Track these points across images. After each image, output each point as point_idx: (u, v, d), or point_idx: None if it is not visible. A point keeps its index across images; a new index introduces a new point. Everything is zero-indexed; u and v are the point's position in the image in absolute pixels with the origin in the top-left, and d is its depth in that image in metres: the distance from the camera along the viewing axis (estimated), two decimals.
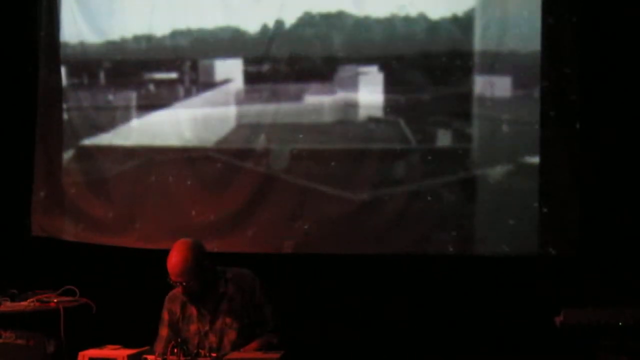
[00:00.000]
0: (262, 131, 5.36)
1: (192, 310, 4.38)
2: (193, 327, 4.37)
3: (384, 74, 5.17)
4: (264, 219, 5.29)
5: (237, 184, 5.38)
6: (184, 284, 4.22)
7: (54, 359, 4.60)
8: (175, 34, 5.54)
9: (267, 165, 5.32)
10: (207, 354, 3.97)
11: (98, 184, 5.66)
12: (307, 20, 5.27)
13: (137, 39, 5.61)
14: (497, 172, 4.96)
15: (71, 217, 5.69)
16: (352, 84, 5.25)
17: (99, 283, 5.14)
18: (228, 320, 4.33)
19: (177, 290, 4.38)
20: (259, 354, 4.01)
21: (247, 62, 5.40)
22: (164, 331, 4.38)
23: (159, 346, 4.32)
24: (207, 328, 4.35)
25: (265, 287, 4.35)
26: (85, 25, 5.70)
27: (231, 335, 4.33)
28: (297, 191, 5.26)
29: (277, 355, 3.95)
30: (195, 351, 3.99)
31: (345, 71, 5.25)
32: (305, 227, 5.24)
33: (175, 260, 4.21)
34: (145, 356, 3.99)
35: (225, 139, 5.47)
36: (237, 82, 5.43)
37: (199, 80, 5.54)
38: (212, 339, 4.35)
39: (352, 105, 5.27)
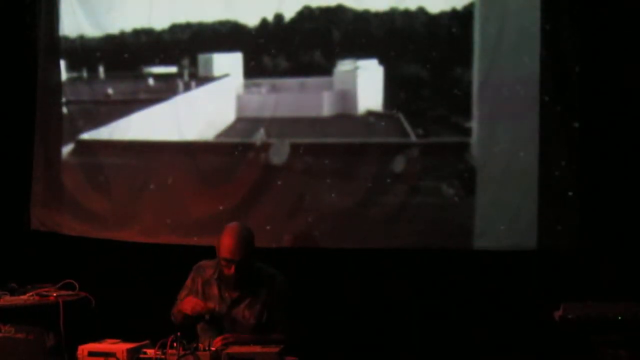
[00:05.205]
0: (261, 125, 5.36)
1: (214, 290, 4.47)
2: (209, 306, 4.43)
3: (384, 68, 5.16)
4: (263, 213, 5.28)
5: (236, 178, 5.37)
6: (239, 262, 4.31)
7: (54, 352, 4.61)
8: (174, 28, 5.53)
9: (267, 159, 5.31)
10: (207, 348, 3.98)
11: (97, 178, 5.65)
12: (306, 14, 5.26)
13: (136, 32, 5.61)
14: (497, 166, 4.95)
15: (70, 211, 5.69)
16: (352, 78, 5.25)
17: (98, 277, 5.15)
18: (247, 314, 4.39)
19: (207, 264, 4.53)
20: (258, 348, 4.02)
21: (247, 56, 5.39)
22: (182, 294, 4.51)
23: (175, 307, 4.50)
24: (223, 312, 4.40)
25: (292, 297, 4.49)
26: (84, 19, 5.69)
27: (244, 329, 4.37)
28: (297, 185, 5.25)
29: (276, 349, 3.97)
30: (194, 345, 4.00)
31: (344, 65, 5.25)
32: (305, 221, 5.24)
33: (230, 239, 4.36)
34: (144, 350, 4.01)
35: (225, 133, 5.47)
36: (237, 76, 5.43)
37: (198, 74, 5.53)
38: (226, 323, 4.41)
39: (352, 99, 5.27)
